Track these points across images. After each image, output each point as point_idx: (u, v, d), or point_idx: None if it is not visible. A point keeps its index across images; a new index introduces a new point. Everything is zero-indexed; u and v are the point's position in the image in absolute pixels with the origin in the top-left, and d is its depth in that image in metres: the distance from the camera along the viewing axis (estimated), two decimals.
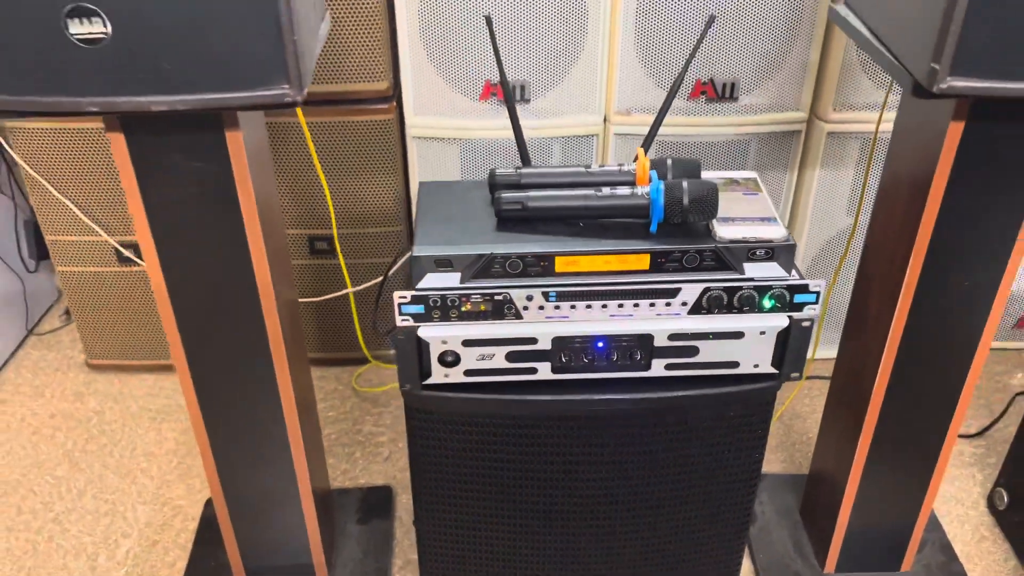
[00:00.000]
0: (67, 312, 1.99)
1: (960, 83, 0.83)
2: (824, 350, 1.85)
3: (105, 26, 0.76)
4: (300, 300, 1.72)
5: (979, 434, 1.72)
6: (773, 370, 1.01)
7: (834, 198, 1.70)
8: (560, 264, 0.94)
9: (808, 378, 1.83)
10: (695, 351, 0.99)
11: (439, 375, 0.98)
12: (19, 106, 0.80)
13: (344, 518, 1.44)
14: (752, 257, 0.94)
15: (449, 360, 0.98)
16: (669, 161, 0.99)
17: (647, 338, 0.97)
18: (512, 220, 0.97)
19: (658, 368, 1.00)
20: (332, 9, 1.44)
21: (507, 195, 0.97)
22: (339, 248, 1.65)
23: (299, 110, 1.47)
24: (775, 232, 0.94)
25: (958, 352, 1.14)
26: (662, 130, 1.61)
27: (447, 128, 1.58)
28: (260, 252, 0.98)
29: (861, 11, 1.02)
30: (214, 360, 1.07)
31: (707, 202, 0.93)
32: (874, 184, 1.63)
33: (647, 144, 1.09)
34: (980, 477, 1.63)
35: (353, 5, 1.44)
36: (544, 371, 0.99)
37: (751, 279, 0.95)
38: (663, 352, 0.99)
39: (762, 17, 1.47)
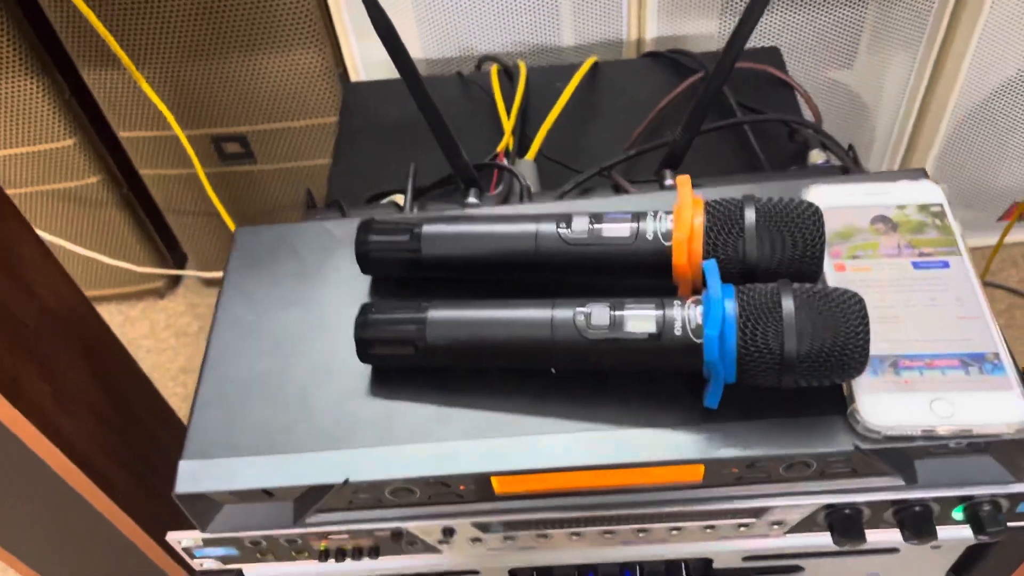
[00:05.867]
0: None
1: None
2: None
3: None
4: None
5: None
6: None
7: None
8: (503, 485, 0.43)
9: None
10: (796, 570, 0.49)
11: None
12: None
13: None
14: (935, 451, 0.41)
15: None
16: (751, 215, 0.42)
17: (702, 563, 0.48)
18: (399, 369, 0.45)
19: None
20: None
21: (381, 318, 0.43)
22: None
23: None
24: (1010, 406, 0.39)
25: None
26: None
27: None
28: None
29: None
30: None
31: (842, 360, 0.38)
32: None
33: (690, 132, 0.51)
34: None
35: None
36: None
37: (927, 492, 0.42)
38: (732, 574, 0.49)
39: None
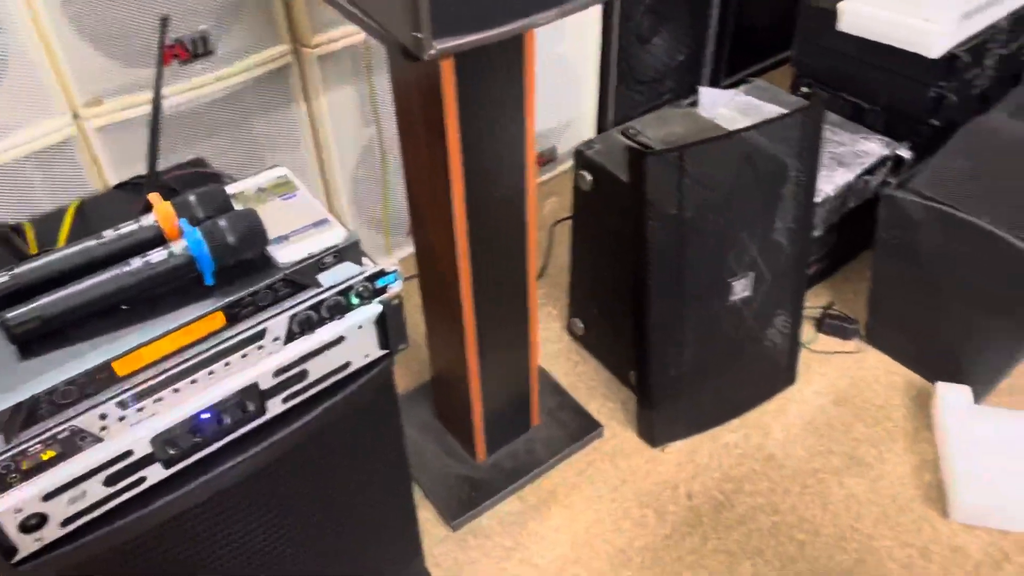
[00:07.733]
0: None
1: (446, 44, 0.84)
2: (401, 251, 1.93)
3: None
4: None
5: (540, 275, 1.95)
6: (383, 352, 1.00)
7: (350, 114, 1.68)
8: (121, 367, 0.79)
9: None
10: (305, 374, 0.93)
11: (29, 545, 0.80)
12: None
13: None
14: (323, 266, 0.89)
15: (34, 523, 0.79)
16: (192, 198, 0.86)
17: (252, 388, 0.89)
18: (35, 340, 0.78)
19: (274, 406, 0.93)
20: None
21: (14, 313, 0.77)
22: None
23: None
24: (335, 236, 0.89)
25: (514, 222, 1.25)
26: (147, 112, 1.42)
27: None
28: None
29: None
30: None
31: (255, 234, 0.84)
32: (381, 89, 1.65)
33: (151, 168, 0.94)
34: (555, 311, 1.87)
35: None
36: (155, 473, 0.86)
37: (330, 288, 0.90)
38: (273, 391, 0.91)
39: None
